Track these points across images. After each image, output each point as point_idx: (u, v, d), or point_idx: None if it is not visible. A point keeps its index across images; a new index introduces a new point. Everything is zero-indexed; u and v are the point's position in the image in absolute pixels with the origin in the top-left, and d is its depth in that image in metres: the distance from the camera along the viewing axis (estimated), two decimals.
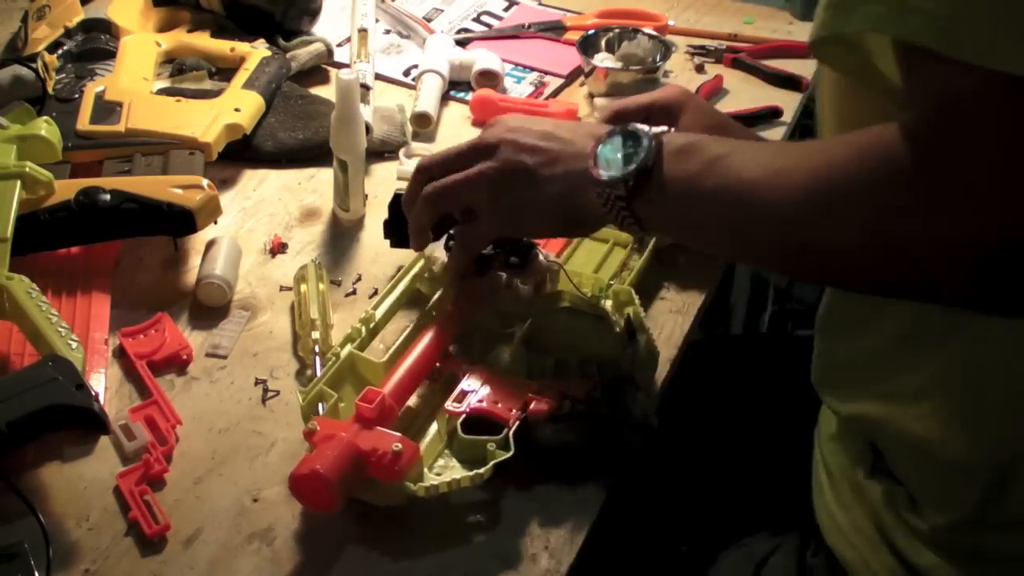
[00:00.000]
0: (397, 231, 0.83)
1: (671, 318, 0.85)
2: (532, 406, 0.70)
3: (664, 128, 0.65)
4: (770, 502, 0.84)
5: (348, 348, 0.74)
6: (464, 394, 0.72)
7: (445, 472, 0.69)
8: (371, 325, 0.77)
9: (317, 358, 0.77)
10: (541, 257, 0.81)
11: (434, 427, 0.73)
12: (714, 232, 0.63)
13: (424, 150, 1.04)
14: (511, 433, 0.68)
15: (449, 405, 0.71)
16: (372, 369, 0.74)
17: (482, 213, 0.73)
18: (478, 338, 0.79)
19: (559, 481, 0.70)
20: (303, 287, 0.83)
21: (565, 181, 0.68)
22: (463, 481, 0.66)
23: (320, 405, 0.71)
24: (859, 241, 0.54)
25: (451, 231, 0.79)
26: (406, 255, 0.83)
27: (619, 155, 0.65)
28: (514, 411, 0.70)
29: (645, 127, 0.65)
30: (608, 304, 0.81)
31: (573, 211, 0.69)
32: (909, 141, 0.51)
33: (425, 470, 0.68)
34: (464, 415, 0.70)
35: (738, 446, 0.90)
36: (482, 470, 0.67)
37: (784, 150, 0.60)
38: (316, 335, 0.78)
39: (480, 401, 0.71)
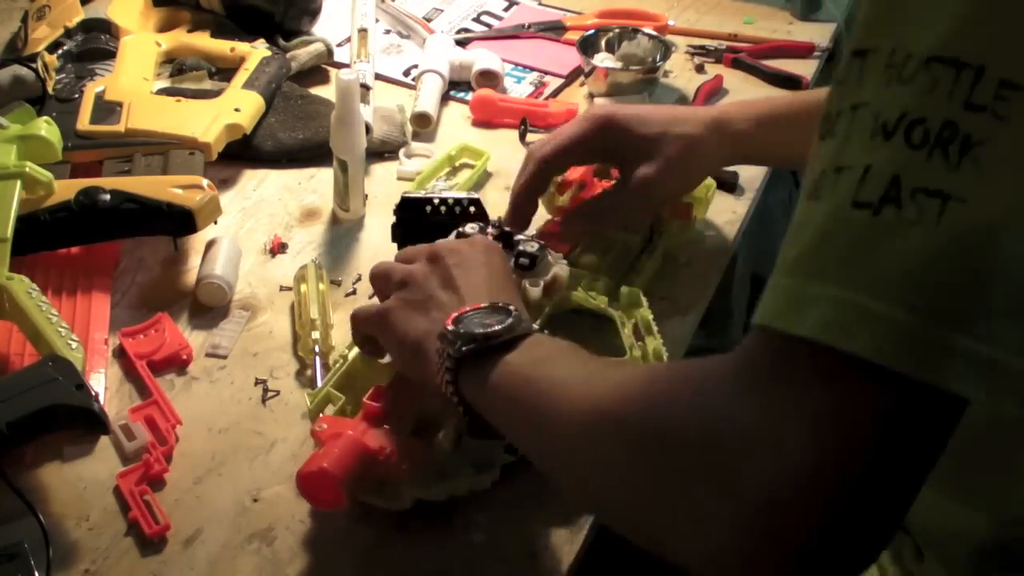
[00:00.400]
0: (404, 234, 0.84)
1: (672, 319, 0.84)
2: None
3: (534, 326, 0.63)
4: None
5: (356, 350, 0.74)
6: None
7: (452, 474, 0.68)
8: None
9: (317, 358, 0.77)
10: (551, 259, 0.79)
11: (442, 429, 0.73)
12: (519, 431, 0.60)
13: (424, 150, 1.04)
14: None
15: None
16: (380, 370, 0.73)
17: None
18: None
19: None
20: (303, 287, 0.83)
21: (432, 324, 0.65)
22: (470, 484, 0.66)
23: (322, 413, 0.71)
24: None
25: (458, 229, 0.79)
26: None
27: (479, 323, 0.62)
28: None
29: (526, 316, 0.62)
30: (617, 306, 0.80)
31: (418, 354, 0.65)
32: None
33: (432, 472, 0.68)
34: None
35: None
36: (489, 473, 0.66)
37: (606, 368, 0.54)
38: (316, 335, 0.78)
39: None
